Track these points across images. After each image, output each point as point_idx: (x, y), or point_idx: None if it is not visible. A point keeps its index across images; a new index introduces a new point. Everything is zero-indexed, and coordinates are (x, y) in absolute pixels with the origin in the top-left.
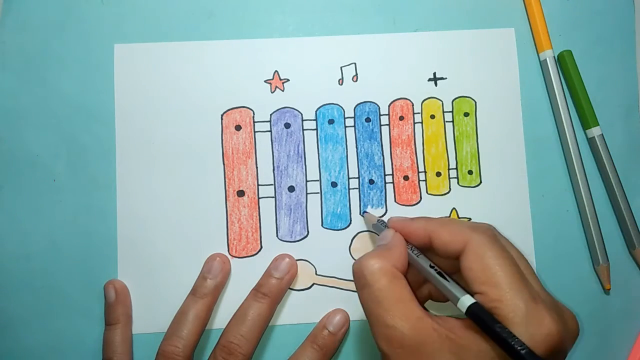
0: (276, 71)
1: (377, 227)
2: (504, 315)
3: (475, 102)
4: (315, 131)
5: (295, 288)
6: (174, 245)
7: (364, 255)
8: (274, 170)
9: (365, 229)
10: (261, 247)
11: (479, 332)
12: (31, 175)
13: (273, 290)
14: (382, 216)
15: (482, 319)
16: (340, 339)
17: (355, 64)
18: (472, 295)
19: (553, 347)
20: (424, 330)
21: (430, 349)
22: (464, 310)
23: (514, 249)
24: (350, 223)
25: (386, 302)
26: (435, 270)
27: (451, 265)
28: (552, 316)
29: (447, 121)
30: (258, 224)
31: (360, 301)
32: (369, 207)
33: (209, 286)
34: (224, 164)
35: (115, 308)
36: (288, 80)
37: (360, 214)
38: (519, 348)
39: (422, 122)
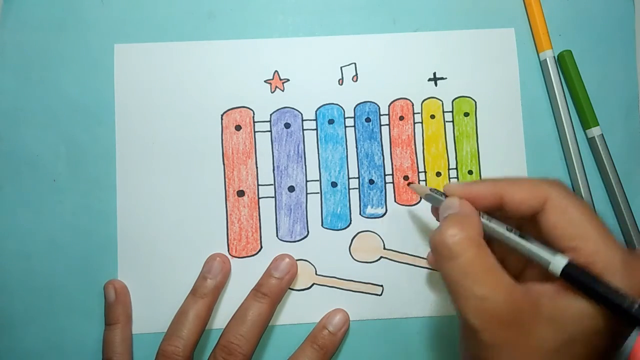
0: (276, 71)
1: (431, 198)
2: (601, 269)
3: (475, 102)
4: (315, 131)
5: (295, 288)
6: (174, 245)
7: (441, 226)
8: (274, 170)
9: (365, 229)
10: (261, 247)
11: (574, 293)
12: (31, 175)
13: (273, 290)
14: (382, 216)
15: (581, 280)
16: (340, 339)
17: (355, 64)
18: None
19: None
20: (518, 299)
21: (527, 318)
22: (557, 272)
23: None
24: (350, 223)
25: (476, 273)
26: (515, 232)
27: (521, 227)
28: None
29: (447, 121)
30: (258, 224)
31: (444, 274)
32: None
33: (209, 286)
34: (224, 164)
35: (115, 308)
36: (288, 80)
37: (360, 214)
38: (628, 306)
39: (422, 122)
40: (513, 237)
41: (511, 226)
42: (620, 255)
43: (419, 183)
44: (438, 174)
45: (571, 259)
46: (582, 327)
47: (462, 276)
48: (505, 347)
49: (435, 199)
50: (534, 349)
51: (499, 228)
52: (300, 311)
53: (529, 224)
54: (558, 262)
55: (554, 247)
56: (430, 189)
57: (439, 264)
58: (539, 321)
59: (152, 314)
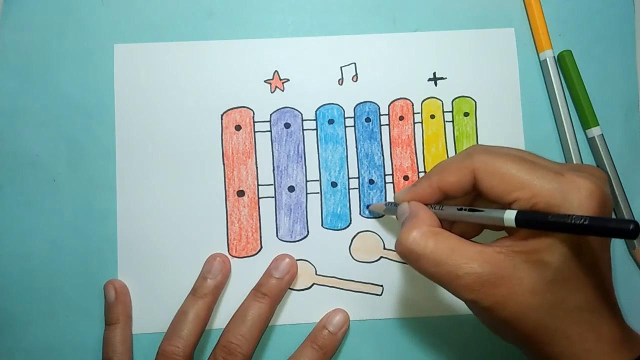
0: (276, 71)
1: (388, 211)
2: (545, 204)
3: (475, 102)
4: (315, 131)
5: (295, 288)
6: (174, 245)
7: (400, 235)
8: (273, 170)
9: (365, 229)
10: (261, 247)
11: (538, 233)
12: (31, 175)
13: (273, 290)
14: (382, 216)
15: (534, 219)
16: (340, 339)
17: (355, 64)
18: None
19: (600, 201)
20: (493, 258)
21: (509, 271)
22: (513, 224)
23: (504, 147)
24: (350, 223)
25: (445, 258)
26: (465, 208)
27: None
28: (582, 177)
29: (447, 121)
30: (258, 224)
31: (423, 274)
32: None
33: (209, 286)
34: (224, 164)
35: (115, 308)
36: (288, 80)
37: (360, 214)
38: (580, 222)
39: (422, 122)
40: (465, 214)
41: (465, 205)
42: (555, 183)
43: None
44: None
45: (518, 209)
46: (558, 257)
47: (435, 267)
48: (505, 302)
49: (392, 210)
50: (528, 292)
51: (449, 210)
52: (300, 311)
53: (479, 197)
54: (509, 216)
55: (501, 206)
56: (385, 204)
57: (415, 268)
58: (521, 268)
59: (152, 314)
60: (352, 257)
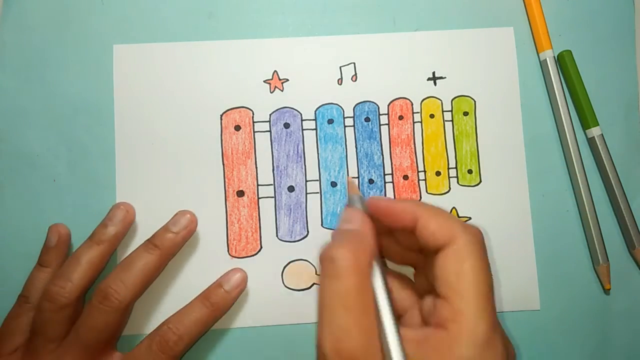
0: (275, 71)
1: (351, 199)
2: (461, 331)
3: (475, 102)
4: (314, 131)
5: (295, 288)
6: None
7: (335, 242)
8: (273, 170)
9: None
10: (261, 247)
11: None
12: (31, 175)
13: (165, 244)
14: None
15: None
16: (234, 298)
17: (354, 63)
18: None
19: None
20: (372, 346)
21: None
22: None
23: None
24: None
25: (347, 304)
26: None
27: (415, 259)
28: (506, 347)
29: (446, 120)
30: (258, 224)
31: (320, 290)
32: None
33: (109, 233)
34: (223, 164)
35: (52, 252)
36: (287, 80)
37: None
38: None
39: (421, 122)
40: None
41: (413, 255)
42: (486, 328)
43: (418, 183)
44: (438, 174)
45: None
46: None
47: (334, 300)
48: None
49: (354, 201)
50: None
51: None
52: (300, 311)
53: (428, 257)
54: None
55: (434, 287)
56: (360, 196)
57: (320, 279)
58: None
59: (150, 314)
60: None
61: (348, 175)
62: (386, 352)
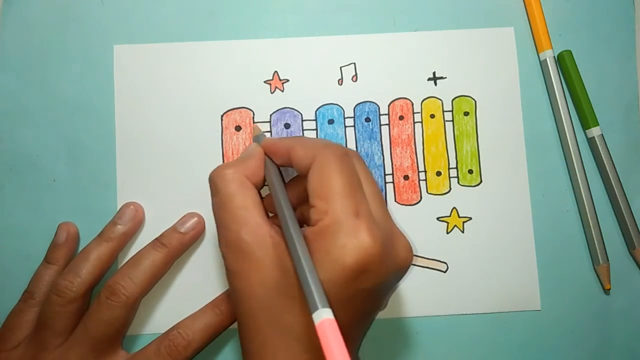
0: (276, 71)
1: (255, 139)
2: (326, 226)
3: (475, 102)
4: (315, 131)
5: None
6: None
7: (220, 165)
8: None
9: None
10: None
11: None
12: (31, 175)
13: (173, 243)
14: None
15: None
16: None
17: (354, 63)
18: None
19: (365, 260)
20: (260, 235)
21: (261, 254)
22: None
23: (367, 175)
24: None
25: (230, 207)
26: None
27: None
28: (371, 232)
29: (447, 120)
30: None
31: (212, 209)
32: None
33: (118, 231)
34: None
35: (59, 250)
36: (288, 80)
37: None
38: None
39: (422, 122)
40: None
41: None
42: (345, 217)
43: (419, 183)
44: (438, 174)
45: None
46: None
47: (220, 209)
48: (241, 274)
49: (256, 140)
50: (258, 283)
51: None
52: None
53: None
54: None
55: (309, 201)
56: (262, 133)
57: (211, 199)
58: (266, 262)
59: (152, 314)
60: None
61: (254, 122)
62: (284, 228)
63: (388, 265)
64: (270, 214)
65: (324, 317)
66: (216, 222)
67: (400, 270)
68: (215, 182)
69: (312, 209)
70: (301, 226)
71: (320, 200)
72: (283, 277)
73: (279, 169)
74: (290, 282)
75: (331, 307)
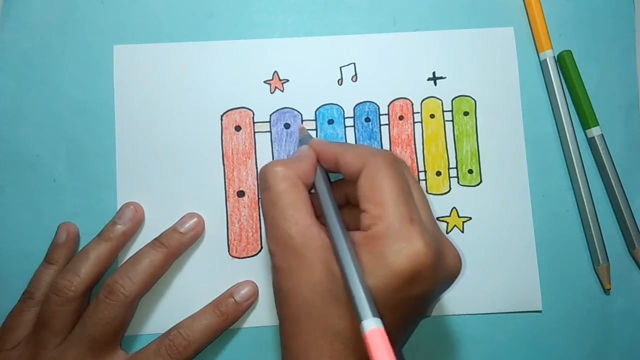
0: (276, 72)
1: (302, 140)
2: (380, 231)
3: (475, 102)
4: (315, 131)
5: None
6: None
7: (272, 161)
8: None
9: None
10: (261, 247)
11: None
12: (31, 175)
13: (172, 243)
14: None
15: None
16: (244, 310)
17: (354, 64)
18: (361, 213)
19: (418, 267)
20: (310, 236)
21: (310, 254)
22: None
23: (415, 182)
24: None
25: (280, 205)
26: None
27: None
28: (424, 239)
29: (446, 120)
30: (258, 225)
31: (261, 204)
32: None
33: (117, 231)
34: (223, 164)
35: (59, 250)
36: (287, 80)
37: None
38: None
39: (421, 122)
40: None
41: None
42: (399, 223)
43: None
44: (438, 174)
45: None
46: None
47: (270, 205)
48: (289, 273)
49: (303, 142)
50: (306, 283)
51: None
52: None
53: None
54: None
55: (360, 207)
56: (306, 137)
57: (260, 193)
58: (315, 263)
59: (152, 314)
60: None
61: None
62: (332, 231)
63: (438, 273)
64: None
65: (373, 327)
66: (265, 219)
67: (450, 279)
68: (267, 177)
69: (364, 214)
70: None
71: (373, 205)
72: (331, 279)
73: (327, 173)
74: (337, 286)
75: (379, 313)
